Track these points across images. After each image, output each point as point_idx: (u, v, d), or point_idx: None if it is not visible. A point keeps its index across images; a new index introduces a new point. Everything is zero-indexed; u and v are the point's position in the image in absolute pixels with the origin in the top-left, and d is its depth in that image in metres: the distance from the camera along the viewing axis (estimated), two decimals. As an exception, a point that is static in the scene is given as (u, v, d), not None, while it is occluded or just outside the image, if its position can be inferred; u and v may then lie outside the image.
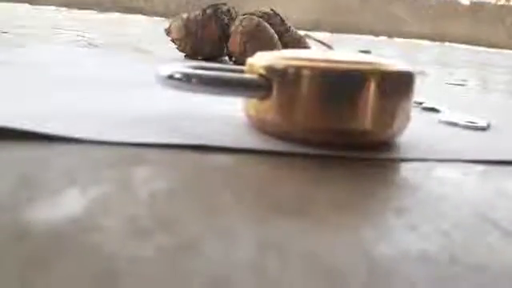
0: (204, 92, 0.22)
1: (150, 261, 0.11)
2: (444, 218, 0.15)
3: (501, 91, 0.53)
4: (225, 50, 0.55)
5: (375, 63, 0.21)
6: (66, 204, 0.14)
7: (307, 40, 0.57)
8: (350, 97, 0.21)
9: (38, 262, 0.11)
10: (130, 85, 0.33)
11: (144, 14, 1.68)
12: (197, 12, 0.55)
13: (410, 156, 0.22)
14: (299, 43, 0.55)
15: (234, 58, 0.54)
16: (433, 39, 1.81)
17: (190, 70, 0.22)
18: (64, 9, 1.55)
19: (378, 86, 0.21)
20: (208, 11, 0.54)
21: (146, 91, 0.31)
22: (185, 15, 0.55)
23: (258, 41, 0.50)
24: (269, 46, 0.50)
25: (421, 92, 0.43)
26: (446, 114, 0.32)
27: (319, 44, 0.59)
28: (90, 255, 0.11)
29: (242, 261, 0.12)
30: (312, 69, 0.21)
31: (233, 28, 0.52)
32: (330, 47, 0.58)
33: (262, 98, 0.22)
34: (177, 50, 0.57)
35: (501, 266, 0.13)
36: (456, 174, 0.20)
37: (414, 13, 1.87)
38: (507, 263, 0.13)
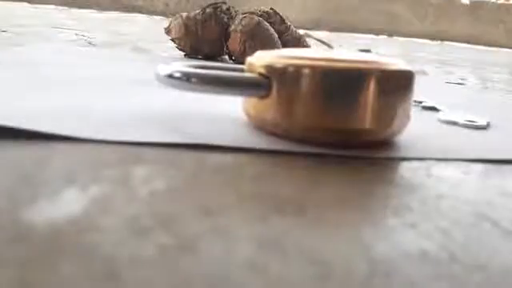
0: (204, 91, 0.22)
1: (150, 260, 0.11)
2: (443, 217, 0.15)
3: (500, 90, 0.53)
4: (224, 49, 0.55)
5: (375, 62, 0.21)
6: (66, 204, 0.14)
7: (307, 39, 0.56)
8: (350, 96, 0.21)
9: (37, 262, 0.11)
10: (129, 84, 0.33)
11: (143, 13, 1.68)
12: (196, 11, 0.55)
13: (409, 155, 0.22)
14: (299, 42, 0.55)
15: (233, 57, 0.54)
16: (433, 38, 1.81)
17: (190, 69, 0.22)
18: (63, 8, 1.55)
19: (378, 85, 0.21)
20: (208, 10, 0.54)
21: (145, 90, 0.31)
22: (184, 14, 0.55)
23: (258, 40, 0.50)
24: (269, 45, 0.50)
25: (420, 91, 0.43)
26: (446, 113, 0.32)
27: (319, 43, 0.59)
28: (89, 255, 0.11)
29: (241, 260, 0.12)
30: (312, 68, 0.21)
31: (232, 27, 0.52)
32: (329, 46, 0.58)
33: (262, 97, 0.22)
34: (176, 49, 0.57)
35: (500, 265, 0.13)
36: (456, 172, 0.20)
37: (414, 11, 1.87)
38: (507, 262, 0.13)
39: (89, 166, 0.17)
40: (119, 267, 0.11)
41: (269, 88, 0.21)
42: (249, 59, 0.23)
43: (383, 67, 0.21)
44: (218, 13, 0.54)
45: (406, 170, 0.20)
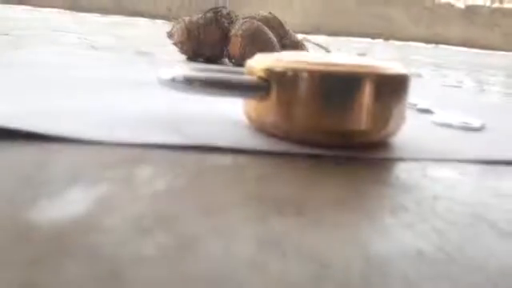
0: (205, 94, 0.22)
1: (152, 260, 0.11)
2: (439, 218, 0.16)
3: (495, 92, 0.53)
4: (225, 53, 0.56)
5: (371, 66, 0.22)
6: (69, 204, 0.14)
7: (305, 43, 0.58)
8: (347, 98, 0.21)
9: (40, 262, 0.11)
10: (131, 86, 0.33)
11: (146, 17, 1.68)
12: (198, 15, 0.56)
13: (405, 156, 0.22)
14: (297, 46, 0.56)
15: (233, 61, 0.54)
16: (428, 41, 1.82)
17: (192, 73, 0.22)
18: (66, 11, 1.55)
19: (374, 88, 0.21)
20: (208, 15, 0.55)
21: (147, 92, 0.31)
22: (186, 18, 0.56)
23: (258, 44, 0.51)
24: (268, 48, 0.51)
25: (416, 93, 0.44)
26: (441, 115, 0.32)
27: (317, 47, 0.60)
28: (92, 255, 0.11)
29: (242, 260, 0.12)
30: (310, 71, 0.21)
31: (233, 31, 0.53)
32: (327, 50, 0.59)
33: (261, 99, 0.22)
34: (178, 53, 0.58)
35: (497, 266, 0.13)
36: (451, 173, 0.20)
37: (409, 16, 1.88)
38: (503, 263, 0.13)
39: (91, 167, 0.17)
40: (122, 267, 0.11)
41: (268, 90, 0.22)
42: (249, 62, 0.24)
43: (379, 71, 0.21)
44: (219, 17, 0.55)
45: (401, 170, 0.20)
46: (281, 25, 0.55)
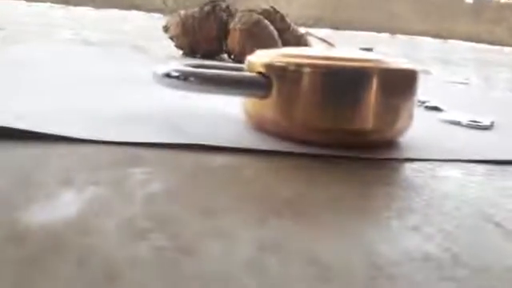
0: (202, 91, 0.21)
1: (147, 262, 0.11)
2: (447, 219, 0.15)
3: (504, 89, 0.52)
4: (223, 48, 0.54)
5: (377, 61, 0.21)
6: (63, 205, 0.14)
7: (308, 37, 0.56)
8: (352, 95, 0.20)
9: (34, 264, 0.11)
10: (127, 83, 0.33)
11: (141, 11, 1.66)
12: (195, 9, 0.54)
13: (412, 156, 0.21)
14: (300, 41, 0.54)
15: (232, 56, 0.53)
16: (435, 36, 1.80)
17: (188, 68, 0.22)
18: (60, 6, 1.54)
19: (380, 84, 0.20)
20: (206, 8, 0.53)
21: (143, 90, 0.31)
22: (182, 12, 0.54)
23: (258, 38, 0.50)
24: (269, 43, 0.49)
25: (423, 90, 0.42)
26: (449, 113, 0.31)
27: (320, 42, 0.58)
28: (86, 257, 0.11)
29: (241, 262, 0.11)
30: (313, 66, 0.20)
31: (232, 25, 0.51)
32: (331, 45, 0.57)
33: (262, 97, 0.21)
34: (174, 48, 0.56)
35: (504, 267, 0.12)
36: (459, 174, 0.20)
37: (416, 10, 1.86)
38: (510, 264, 0.13)
39: (85, 168, 0.17)
40: (117, 269, 0.11)
41: (269, 87, 0.21)
42: (248, 58, 0.23)
43: (386, 66, 0.21)
44: (217, 11, 0.53)
45: (409, 171, 0.20)
46: (282, 18, 0.54)
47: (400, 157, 0.21)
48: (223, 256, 0.12)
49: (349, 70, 0.20)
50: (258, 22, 0.50)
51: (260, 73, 0.21)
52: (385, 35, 1.72)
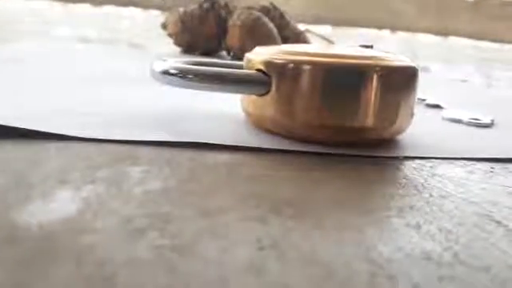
0: (200, 88, 0.21)
1: (145, 262, 0.11)
2: (448, 217, 0.15)
3: (504, 87, 0.52)
4: (222, 45, 0.54)
5: (377, 58, 0.21)
6: (59, 204, 0.13)
7: (308, 34, 0.55)
8: (351, 93, 0.20)
9: (30, 264, 0.10)
10: (125, 81, 0.33)
11: (139, 8, 1.66)
12: (194, 6, 0.54)
13: (413, 154, 0.21)
14: (299, 38, 0.54)
15: (232, 53, 0.52)
16: (436, 34, 1.80)
17: (186, 66, 0.21)
18: (57, 3, 1.53)
19: (380, 81, 0.20)
20: (205, 5, 0.53)
21: (141, 88, 0.30)
22: (181, 9, 0.54)
23: (257, 35, 0.49)
24: (268, 40, 0.49)
25: (424, 88, 0.42)
26: (450, 111, 0.31)
27: (320, 39, 0.58)
28: (83, 257, 0.11)
29: (240, 262, 0.11)
30: (312, 63, 0.20)
31: (231, 22, 0.51)
32: (331, 42, 0.57)
33: (261, 95, 0.21)
34: (173, 45, 0.56)
35: (505, 266, 0.12)
36: (460, 172, 0.20)
37: (417, 6, 1.86)
38: (511, 263, 0.12)
39: (82, 166, 0.17)
40: (114, 269, 0.11)
41: (268, 85, 0.21)
42: (247, 55, 0.23)
43: (385, 63, 0.20)
44: (216, 8, 0.53)
45: (409, 169, 0.20)
46: (281, 15, 0.53)
47: (400, 155, 0.21)
48: (222, 255, 0.12)
49: (348, 68, 0.20)
50: (257, 19, 0.50)
51: (259, 70, 0.21)
52: (385, 32, 1.72)
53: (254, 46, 0.24)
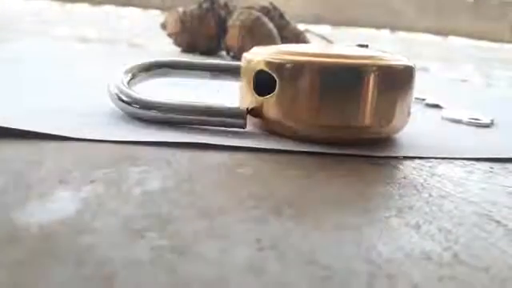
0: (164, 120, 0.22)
1: (145, 263, 0.11)
2: (447, 217, 0.15)
3: (504, 87, 0.52)
4: (222, 45, 0.54)
5: (374, 57, 0.21)
6: (58, 205, 0.13)
7: (307, 34, 0.55)
8: (348, 92, 0.20)
9: (29, 264, 0.10)
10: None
11: (138, 7, 1.65)
12: (193, 6, 0.54)
13: (412, 154, 0.21)
14: (299, 38, 0.54)
15: (231, 53, 0.52)
16: (436, 33, 1.80)
17: (134, 93, 0.22)
18: (56, 3, 1.53)
19: (377, 80, 0.20)
20: (204, 5, 0.53)
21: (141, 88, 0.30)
22: (181, 9, 0.54)
23: (257, 35, 0.49)
24: (267, 40, 0.49)
25: (423, 87, 0.42)
26: (449, 111, 0.31)
27: (319, 38, 0.57)
28: (83, 257, 0.11)
29: (240, 262, 0.11)
30: (309, 64, 0.20)
31: (230, 22, 0.51)
32: (329, 41, 0.57)
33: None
34: (173, 45, 0.56)
35: (505, 266, 0.12)
36: (459, 172, 0.20)
37: (416, 6, 1.86)
38: (511, 263, 0.12)
39: (81, 167, 0.17)
40: (114, 270, 0.11)
41: (245, 119, 0.21)
42: (245, 55, 0.23)
43: (382, 63, 0.21)
44: (215, 8, 0.53)
45: (408, 169, 0.20)
46: (281, 15, 0.53)
47: (399, 154, 0.21)
48: (222, 256, 0.12)
49: (345, 67, 0.20)
50: (256, 20, 0.50)
51: (262, 70, 0.21)
52: (385, 32, 1.72)
53: (254, 46, 0.24)
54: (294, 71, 0.20)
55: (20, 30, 0.65)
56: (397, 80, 0.21)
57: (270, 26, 0.50)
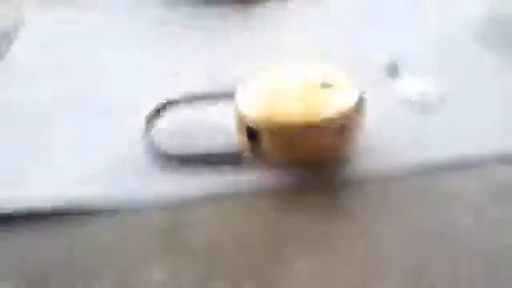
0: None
1: None
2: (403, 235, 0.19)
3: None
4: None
5: (317, 112, 0.27)
6: None
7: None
8: (305, 143, 0.27)
9: None
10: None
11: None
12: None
13: (364, 174, 0.27)
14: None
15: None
16: None
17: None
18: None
19: (329, 129, 0.27)
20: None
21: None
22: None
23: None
24: None
25: (387, 42, 0.39)
26: (403, 83, 0.33)
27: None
28: None
29: None
30: (269, 128, 0.27)
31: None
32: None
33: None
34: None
35: None
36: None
37: None
38: None
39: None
40: None
41: (241, 161, 0.28)
42: (240, 110, 0.28)
43: (325, 117, 0.27)
44: None
45: (361, 189, 0.25)
46: None
47: (353, 177, 0.27)
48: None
49: (293, 127, 0.27)
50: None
51: (249, 127, 0.27)
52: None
53: None
54: (259, 131, 0.27)
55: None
56: (342, 126, 0.27)
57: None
